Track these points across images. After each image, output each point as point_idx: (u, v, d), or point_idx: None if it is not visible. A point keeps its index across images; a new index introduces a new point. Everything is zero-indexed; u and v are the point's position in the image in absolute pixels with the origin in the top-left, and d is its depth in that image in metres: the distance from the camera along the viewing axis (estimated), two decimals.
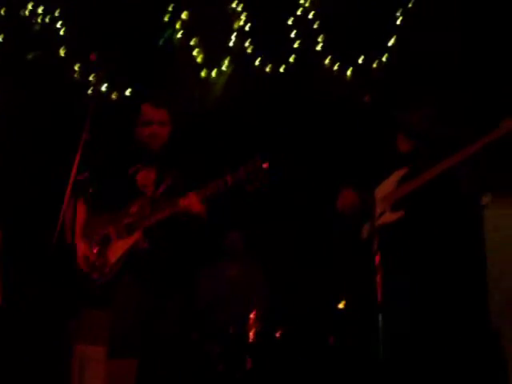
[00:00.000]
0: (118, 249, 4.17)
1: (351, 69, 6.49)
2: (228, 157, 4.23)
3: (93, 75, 6.27)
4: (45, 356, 2.89)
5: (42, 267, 3.19)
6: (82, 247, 4.20)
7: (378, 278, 3.86)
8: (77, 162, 3.35)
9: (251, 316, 5.45)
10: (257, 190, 4.07)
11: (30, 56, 6.53)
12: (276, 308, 6.12)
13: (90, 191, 4.14)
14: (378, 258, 3.89)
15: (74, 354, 3.12)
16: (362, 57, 6.44)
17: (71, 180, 3.31)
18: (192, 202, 4.08)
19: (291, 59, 6.61)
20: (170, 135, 4.40)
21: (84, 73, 6.50)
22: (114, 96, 6.60)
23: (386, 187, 4.42)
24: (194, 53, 6.69)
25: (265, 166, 4.06)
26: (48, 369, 2.88)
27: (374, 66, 6.43)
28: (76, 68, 6.53)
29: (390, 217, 4.36)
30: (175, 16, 6.67)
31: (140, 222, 4.17)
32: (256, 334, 5.43)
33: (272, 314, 5.86)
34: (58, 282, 3.24)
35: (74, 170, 3.33)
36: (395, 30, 6.43)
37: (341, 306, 5.85)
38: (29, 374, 2.87)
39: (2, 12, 6.44)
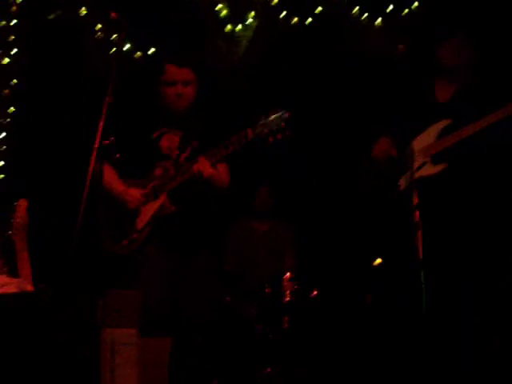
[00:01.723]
0: (145, 214, 4.09)
1: (380, 18, 6.28)
2: (254, 114, 4.06)
3: (115, 35, 6.09)
4: (72, 342, 2.78)
5: (69, 239, 3.08)
6: None
7: (419, 234, 3.75)
8: (101, 126, 3.22)
9: (286, 276, 5.36)
10: (279, 141, 3.95)
11: (51, 16, 6.39)
12: (310, 266, 6.02)
13: (117, 156, 4.03)
14: (417, 213, 3.78)
15: (103, 338, 3.00)
16: (391, 6, 6.22)
17: (96, 145, 3.19)
18: (203, 167, 3.97)
19: (317, 11, 6.40)
20: (195, 96, 4.27)
21: (106, 32, 6.35)
22: (137, 55, 6.48)
23: (426, 138, 4.27)
24: (218, 7, 6.49)
25: (286, 115, 3.93)
26: (76, 355, 2.77)
27: (404, 14, 6.21)
28: (98, 27, 6.40)
29: (430, 169, 4.22)
30: None
31: (164, 184, 4.08)
32: (292, 294, 5.34)
33: (306, 272, 5.75)
34: (84, 257, 3.13)
35: (99, 135, 3.20)
36: None
37: (377, 262, 5.73)
38: (56, 362, 2.76)
39: None
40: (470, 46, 4.30)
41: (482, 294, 4.23)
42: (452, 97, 4.34)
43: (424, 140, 4.26)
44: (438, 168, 4.20)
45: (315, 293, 5.44)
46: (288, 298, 5.33)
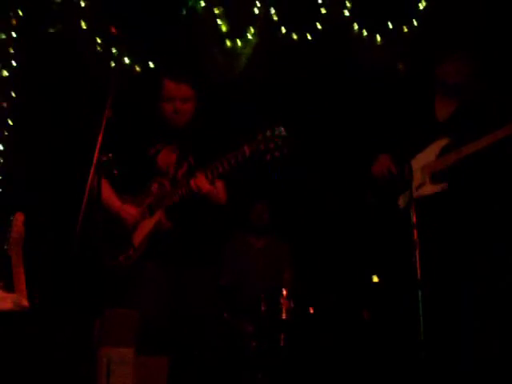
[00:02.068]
0: (142, 230, 4.07)
1: (380, 35, 6.28)
2: (253, 130, 4.05)
3: (114, 48, 6.09)
4: (68, 361, 2.74)
5: (66, 255, 3.06)
6: None
7: (417, 253, 3.73)
8: (100, 140, 3.21)
9: (283, 293, 5.33)
10: (276, 159, 3.93)
11: (50, 30, 6.38)
12: (307, 283, 6.00)
13: (115, 172, 4.01)
14: (416, 232, 3.77)
15: (100, 357, 2.96)
16: (391, 23, 6.22)
17: (95, 160, 3.18)
18: (201, 183, 3.95)
19: (318, 26, 6.40)
20: (194, 112, 4.25)
21: (106, 46, 6.34)
22: (137, 69, 6.47)
23: (426, 157, 4.26)
24: (218, 23, 6.49)
25: (283, 133, 3.91)
26: (72, 374, 2.74)
27: (405, 30, 6.21)
28: (98, 41, 6.39)
29: (429, 188, 4.21)
30: None
31: (161, 201, 4.06)
32: (288, 311, 5.31)
33: (303, 289, 5.73)
34: (81, 273, 3.11)
35: (98, 150, 3.19)
36: None
37: (375, 279, 5.72)
38: (52, 381, 2.73)
39: None
40: (471, 63, 4.29)
41: (480, 313, 4.21)
42: (452, 115, 4.32)
43: (424, 158, 4.24)
44: (438, 187, 4.19)
45: (312, 311, 5.41)
46: (284, 316, 5.30)
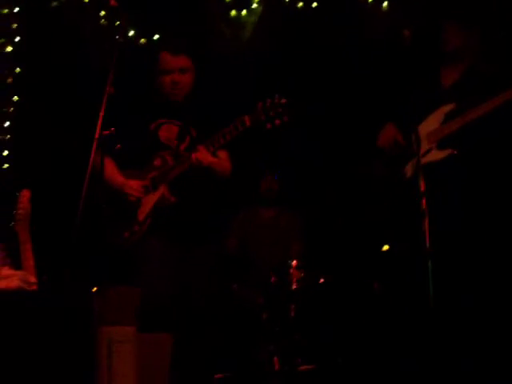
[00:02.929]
0: (146, 205, 4.05)
1: (387, 1, 6.20)
2: (255, 99, 4.02)
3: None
4: (68, 340, 2.73)
5: (70, 231, 3.05)
6: None
7: (426, 222, 3.70)
8: (102, 116, 3.19)
9: (293, 263, 5.31)
10: (277, 127, 3.90)
11: (54, 4, 6.34)
12: (317, 253, 5.98)
13: (117, 147, 3.99)
14: (424, 201, 3.73)
15: (100, 336, 2.95)
16: None
17: (97, 135, 3.16)
18: (202, 156, 3.92)
19: None
20: (193, 84, 4.21)
21: (109, 19, 6.30)
22: (142, 41, 6.43)
23: (431, 123, 4.22)
24: None
25: (283, 101, 3.88)
26: (72, 353, 2.73)
27: None
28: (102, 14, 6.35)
29: (436, 155, 4.18)
30: None
31: (164, 175, 4.03)
32: (298, 282, 5.29)
33: (313, 259, 5.71)
34: (84, 250, 3.10)
35: (100, 125, 3.17)
36: None
37: (384, 248, 5.69)
38: (51, 360, 2.71)
39: None
40: (468, 27, 4.26)
41: (490, 282, 4.19)
42: (457, 81, 4.29)
43: (429, 125, 4.21)
44: (444, 153, 4.16)
45: (322, 280, 5.39)
46: (295, 286, 5.29)
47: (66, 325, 2.67)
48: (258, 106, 3.93)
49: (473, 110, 4.06)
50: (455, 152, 4.14)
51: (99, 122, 3.21)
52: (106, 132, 3.23)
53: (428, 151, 4.15)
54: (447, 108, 4.21)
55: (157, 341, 3.33)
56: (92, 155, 3.18)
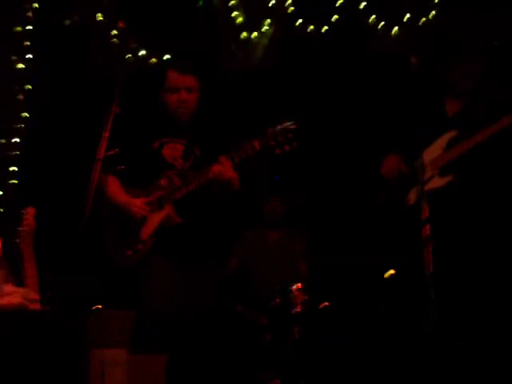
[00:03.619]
0: (150, 224, 4.06)
1: (396, 27, 6.23)
2: (262, 123, 4.05)
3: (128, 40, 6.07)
4: (61, 361, 2.73)
5: (71, 249, 3.07)
6: None
7: (430, 248, 3.70)
8: (107, 136, 3.21)
9: (297, 286, 5.31)
10: (286, 152, 3.92)
11: (66, 22, 6.39)
12: (322, 276, 5.97)
13: (121, 168, 4.01)
14: (428, 227, 3.73)
15: (93, 358, 2.95)
16: (408, 15, 6.17)
17: (101, 155, 3.18)
18: (225, 168, 3.94)
19: (333, 19, 6.36)
20: (198, 103, 4.24)
21: (122, 38, 6.33)
22: (152, 61, 6.47)
23: (434, 151, 4.26)
24: (234, 14, 6.47)
25: (293, 127, 3.90)
26: (65, 375, 2.73)
27: (420, 23, 6.16)
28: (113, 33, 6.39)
29: (438, 181, 4.21)
30: None
31: (170, 195, 4.04)
32: (302, 304, 5.29)
33: (318, 282, 5.71)
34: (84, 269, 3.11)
35: (104, 145, 3.19)
36: None
37: (389, 274, 5.68)
38: (44, 381, 2.72)
39: None
40: (479, 67, 4.30)
41: (493, 306, 4.19)
42: (460, 110, 4.33)
43: (433, 152, 4.24)
44: (446, 180, 4.19)
45: (325, 304, 5.38)
46: (298, 309, 5.29)
47: (60, 346, 2.67)
48: (268, 131, 3.95)
49: (474, 137, 4.10)
50: (456, 179, 4.17)
51: (104, 142, 3.22)
52: (111, 152, 3.24)
53: (431, 178, 4.18)
54: (450, 135, 4.24)
55: (150, 362, 3.32)
56: (96, 175, 3.19)
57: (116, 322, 3.16)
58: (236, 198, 4.22)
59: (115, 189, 4.09)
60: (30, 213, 4.13)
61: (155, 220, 4.06)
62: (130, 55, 6.03)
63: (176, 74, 4.17)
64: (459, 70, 4.31)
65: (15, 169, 5.84)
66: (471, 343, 4.15)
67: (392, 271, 5.64)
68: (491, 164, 4.19)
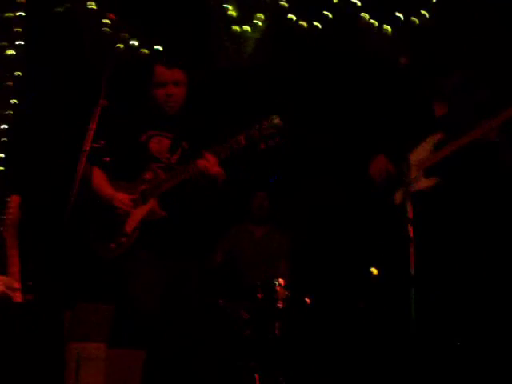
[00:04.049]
0: (134, 218, 4.05)
1: (391, 25, 6.23)
2: (249, 115, 4.05)
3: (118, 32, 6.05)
4: (37, 355, 2.72)
5: (55, 239, 3.07)
6: None
7: (412, 249, 3.72)
8: (93, 128, 3.21)
9: (280, 282, 5.33)
10: (271, 148, 3.92)
11: (59, 9, 6.35)
12: (304, 272, 6.00)
13: (106, 160, 4.00)
14: (411, 228, 3.76)
15: (69, 352, 2.95)
16: (402, 14, 6.18)
17: (87, 147, 3.17)
18: (210, 163, 3.93)
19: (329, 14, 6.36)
20: (186, 98, 4.24)
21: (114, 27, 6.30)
22: (144, 51, 6.44)
23: (420, 152, 4.29)
24: (226, 7, 6.45)
25: (277, 121, 3.90)
26: (40, 368, 2.72)
27: (417, 22, 6.17)
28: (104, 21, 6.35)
29: (423, 183, 4.25)
30: None
31: (155, 188, 4.04)
32: (284, 300, 5.31)
33: (300, 278, 5.73)
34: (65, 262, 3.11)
35: (90, 137, 3.19)
36: None
37: (373, 272, 5.71)
38: (19, 375, 2.71)
39: None
40: (467, 76, 4.34)
41: (475, 307, 4.22)
42: (447, 112, 4.36)
43: (419, 154, 4.27)
44: (431, 182, 4.22)
45: (307, 301, 5.40)
46: (280, 305, 5.30)
47: (35, 339, 2.66)
48: (254, 126, 3.95)
49: (459, 139, 4.14)
50: (441, 180, 4.21)
51: (90, 134, 3.22)
52: (96, 145, 3.24)
53: (416, 179, 4.20)
54: (436, 137, 4.28)
55: (128, 357, 3.32)
56: (81, 167, 3.18)
57: (95, 316, 3.16)
58: (221, 193, 4.22)
59: (100, 181, 4.08)
60: (14, 201, 4.13)
61: (139, 213, 4.06)
62: (120, 45, 5.97)
63: (163, 68, 4.16)
64: (448, 83, 4.35)
65: (2, 155, 5.80)
66: (451, 343, 4.19)
67: (374, 270, 5.67)
68: (476, 166, 4.22)
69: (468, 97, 4.37)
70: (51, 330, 2.73)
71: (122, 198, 4.05)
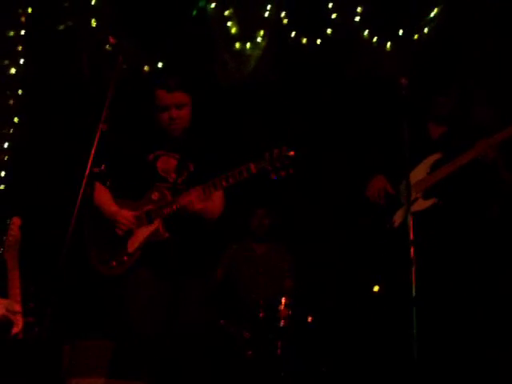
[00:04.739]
0: (138, 237, 4.05)
1: (390, 42, 6.23)
2: (256, 139, 4.05)
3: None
4: None
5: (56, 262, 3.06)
6: None
7: (413, 270, 3.72)
8: (93, 153, 3.21)
9: (282, 301, 5.32)
10: (282, 178, 3.91)
11: (60, 27, 6.37)
12: (307, 291, 5.98)
13: (107, 184, 4.01)
14: (412, 249, 3.76)
15: None
16: (402, 30, 6.18)
17: (87, 173, 3.18)
18: (192, 200, 3.93)
19: (328, 32, 6.36)
20: (191, 117, 4.24)
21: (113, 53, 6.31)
22: (146, 69, 6.45)
23: (419, 173, 4.32)
24: (228, 24, 6.46)
25: (291, 153, 3.88)
26: None
27: (415, 37, 6.17)
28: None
29: (422, 204, 4.27)
30: None
31: (160, 209, 4.03)
32: (286, 319, 5.29)
33: (302, 297, 5.71)
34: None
35: (91, 162, 3.19)
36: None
37: (375, 289, 5.70)
38: None
39: None
40: (458, 97, 4.36)
41: (477, 326, 4.23)
42: (444, 133, 4.39)
43: (417, 175, 4.30)
44: (429, 202, 4.24)
45: (310, 319, 5.39)
46: (283, 324, 5.29)
47: (36, 375, 2.65)
48: (265, 156, 3.92)
49: (457, 160, 4.16)
50: (440, 201, 4.22)
51: (90, 159, 3.22)
52: (96, 170, 3.24)
53: (415, 200, 4.22)
54: (434, 158, 4.30)
55: None
56: (81, 192, 3.19)
57: (94, 352, 3.15)
58: (212, 224, 4.22)
59: (104, 197, 4.09)
60: (15, 223, 4.14)
61: (143, 233, 4.05)
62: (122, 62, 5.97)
63: (164, 92, 4.16)
64: (444, 103, 4.37)
65: (2, 174, 5.80)
66: (451, 365, 4.19)
67: (377, 287, 5.66)
68: (476, 186, 4.24)
69: (466, 116, 4.39)
70: (50, 366, 2.71)
71: (126, 215, 4.05)
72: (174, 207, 3.99)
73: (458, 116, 4.44)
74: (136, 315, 3.96)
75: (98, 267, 4.09)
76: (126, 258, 4.05)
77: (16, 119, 5.96)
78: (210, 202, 4.04)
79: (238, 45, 6.49)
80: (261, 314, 5.35)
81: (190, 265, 4.14)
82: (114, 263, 4.06)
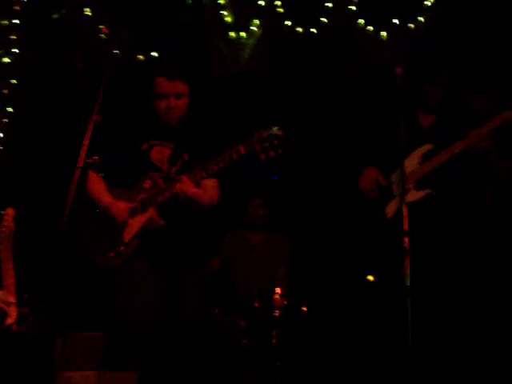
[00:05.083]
0: (133, 226, 4.05)
1: (386, 31, 6.21)
2: (249, 126, 4.03)
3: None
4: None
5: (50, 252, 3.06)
6: None
7: (407, 261, 3.73)
8: (86, 144, 3.20)
9: (277, 291, 5.31)
10: (272, 159, 3.91)
11: (55, 16, 6.33)
12: (302, 281, 5.98)
13: (101, 175, 4.01)
14: (406, 240, 3.76)
15: (61, 381, 2.93)
16: (398, 19, 6.16)
17: (80, 164, 3.17)
18: (185, 186, 3.93)
19: (324, 20, 6.34)
20: (188, 108, 4.23)
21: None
22: (140, 57, 6.42)
23: (410, 164, 4.30)
24: (222, 14, 6.43)
25: (280, 133, 3.88)
26: None
27: (412, 26, 6.15)
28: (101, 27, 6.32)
29: (414, 195, 4.27)
30: None
31: (153, 198, 4.03)
32: (281, 309, 5.29)
33: (297, 287, 5.71)
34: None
35: (84, 153, 3.18)
36: None
37: (370, 279, 5.70)
38: None
39: None
40: (446, 86, 4.35)
41: (472, 317, 4.23)
42: (433, 122, 4.38)
43: (408, 166, 4.27)
44: (422, 193, 4.24)
45: (305, 309, 5.38)
46: (277, 313, 5.28)
47: (27, 368, 2.65)
48: (254, 136, 3.93)
49: (449, 149, 4.15)
50: (432, 192, 4.22)
51: (83, 150, 3.21)
52: (90, 161, 3.23)
53: (407, 191, 4.20)
54: (425, 148, 4.29)
55: (121, 379, 3.31)
56: (74, 183, 3.18)
57: (86, 345, 3.15)
58: (207, 210, 4.22)
59: (98, 187, 4.09)
60: (9, 214, 4.12)
61: (138, 222, 4.06)
62: (117, 51, 5.95)
63: (164, 80, 4.16)
64: (426, 86, 4.36)
65: None
66: (445, 355, 4.19)
67: (371, 277, 5.67)
68: (468, 175, 4.24)
69: (457, 104, 4.38)
70: (42, 359, 2.71)
71: (120, 207, 4.05)
72: (167, 194, 3.99)
73: (448, 104, 4.44)
74: (130, 306, 3.95)
75: (96, 259, 4.09)
76: (122, 248, 4.06)
77: (10, 109, 5.93)
78: (202, 188, 4.04)
79: (232, 34, 6.47)
80: (256, 304, 5.34)
81: (186, 254, 4.14)
82: (112, 254, 4.06)
